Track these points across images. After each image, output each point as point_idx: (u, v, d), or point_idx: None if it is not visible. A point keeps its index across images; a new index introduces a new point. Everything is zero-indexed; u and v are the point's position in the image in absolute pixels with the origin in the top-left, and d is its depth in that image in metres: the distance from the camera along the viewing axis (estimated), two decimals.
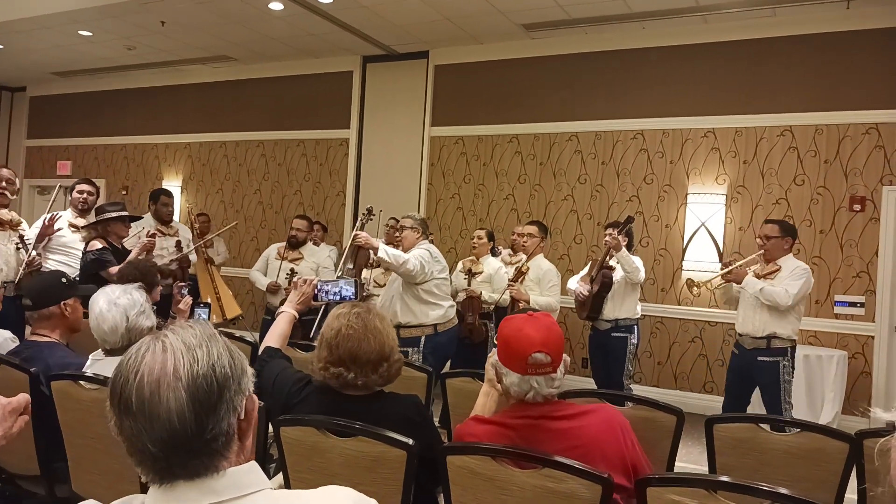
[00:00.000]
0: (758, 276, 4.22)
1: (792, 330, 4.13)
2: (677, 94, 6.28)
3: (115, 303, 2.37)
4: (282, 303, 5.25)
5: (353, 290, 2.87)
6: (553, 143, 6.82)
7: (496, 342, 1.93)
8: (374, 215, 4.78)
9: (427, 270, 4.19)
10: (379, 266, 5.39)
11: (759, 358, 4.18)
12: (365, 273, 5.47)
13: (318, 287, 2.78)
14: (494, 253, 5.53)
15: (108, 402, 0.92)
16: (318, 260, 5.78)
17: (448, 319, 4.39)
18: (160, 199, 5.41)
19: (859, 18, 5.60)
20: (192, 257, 5.49)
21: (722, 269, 4.50)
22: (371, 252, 4.16)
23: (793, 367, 4.14)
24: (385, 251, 4.04)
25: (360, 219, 4.69)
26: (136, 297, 2.43)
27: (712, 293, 6.08)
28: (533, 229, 5.09)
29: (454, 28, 6.64)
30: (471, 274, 5.18)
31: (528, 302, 4.61)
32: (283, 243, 5.74)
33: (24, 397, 1.23)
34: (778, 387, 4.11)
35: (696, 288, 4.64)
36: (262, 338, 3.20)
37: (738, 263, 4.39)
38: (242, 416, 0.95)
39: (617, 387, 4.64)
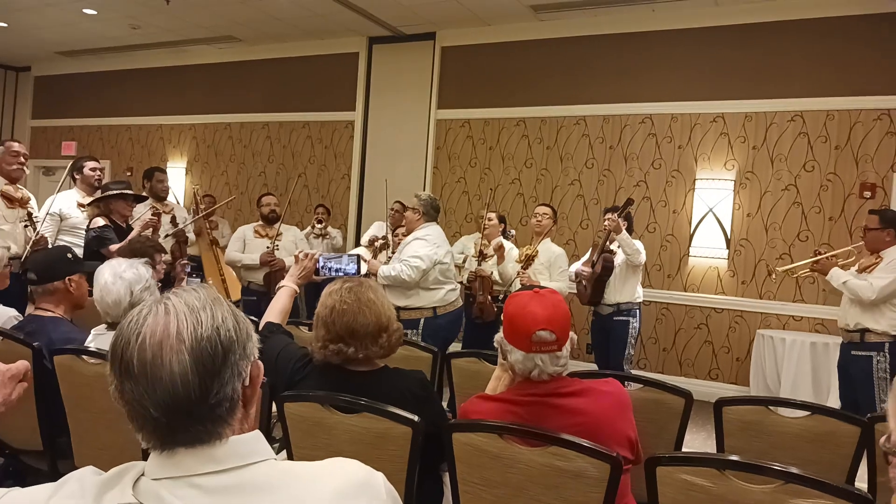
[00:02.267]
0: (861, 269, 4.06)
1: (890, 325, 3.89)
2: (687, 78, 6.21)
3: (120, 276, 2.36)
4: (266, 276, 5.26)
5: (356, 266, 2.84)
6: (560, 126, 6.76)
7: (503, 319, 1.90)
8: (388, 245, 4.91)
9: (427, 266, 4.18)
10: (381, 250, 5.39)
11: (852, 352, 4.04)
12: (362, 252, 5.49)
13: (321, 263, 2.74)
14: (506, 236, 5.44)
15: (109, 367, 0.89)
16: (295, 234, 5.78)
17: (448, 302, 4.35)
18: (154, 176, 5.40)
19: (873, 2, 5.51)
20: (191, 236, 5.46)
21: (814, 252, 4.40)
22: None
23: (893, 364, 3.88)
24: (383, 276, 4.21)
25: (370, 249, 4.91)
26: (142, 272, 2.42)
27: (718, 279, 6.05)
28: (547, 210, 5.01)
29: (461, 9, 6.56)
30: (482, 256, 5.15)
31: None
32: (255, 224, 5.65)
33: (23, 364, 1.21)
34: (871, 383, 3.91)
35: (774, 275, 4.56)
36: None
37: (828, 254, 4.26)
38: (247, 383, 0.92)
39: (617, 370, 4.63)
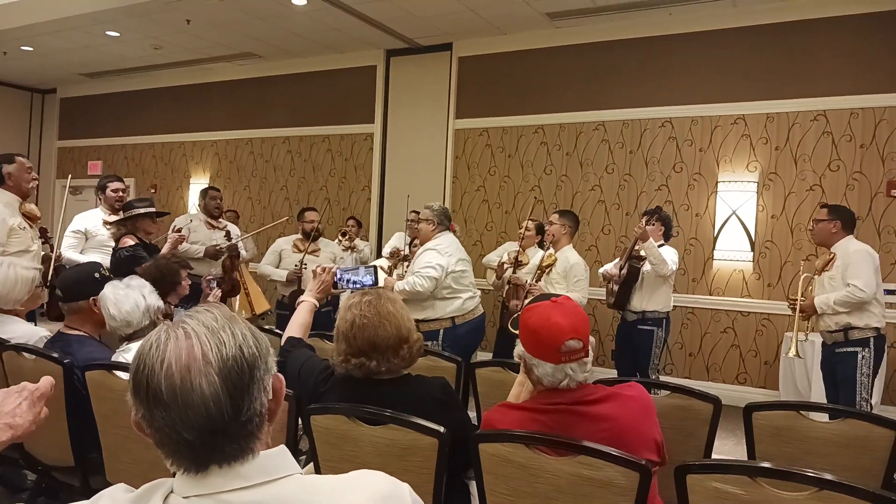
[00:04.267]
0: (821, 270, 4.05)
1: (874, 318, 3.86)
2: (706, 80, 6.16)
3: (128, 285, 2.51)
4: (293, 294, 5.29)
5: (373, 278, 2.85)
6: (579, 132, 6.74)
7: (512, 330, 1.90)
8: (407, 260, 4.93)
9: (440, 275, 4.18)
10: (403, 261, 5.40)
11: (836, 350, 3.96)
12: (383, 263, 5.52)
13: (338, 275, 2.76)
14: (543, 246, 5.35)
15: (131, 395, 0.89)
16: (334, 251, 5.81)
17: (468, 311, 4.33)
18: (208, 194, 5.55)
19: None
20: (244, 252, 5.56)
21: (790, 308, 4.21)
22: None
23: (875, 360, 3.85)
24: (398, 290, 4.20)
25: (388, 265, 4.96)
26: (141, 280, 2.60)
27: (745, 283, 5.98)
28: (553, 217, 4.84)
29: (477, 19, 6.58)
30: (516, 264, 5.12)
31: None
32: (293, 236, 5.70)
33: (48, 380, 1.22)
34: (853, 380, 3.84)
35: (792, 352, 4.11)
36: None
37: (799, 297, 4.12)
38: (271, 396, 0.93)
39: (643, 378, 4.57)
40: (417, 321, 4.24)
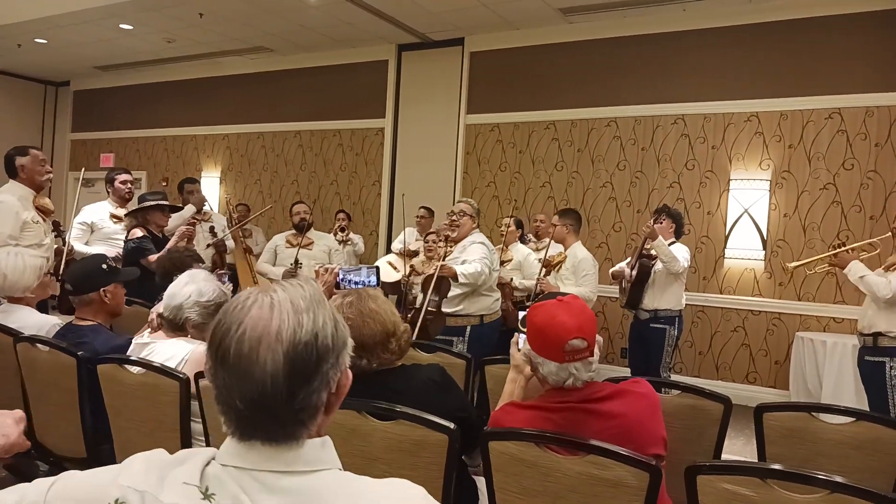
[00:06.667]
0: (888, 267, 3.65)
1: None
2: (719, 77, 6.12)
3: (199, 285, 2.43)
4: None
5: (375, 278, 2.85)
6: (591, 128, 6.71)
7: (522, 329, 1.90)
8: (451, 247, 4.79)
9: (490, 270, 4.16)
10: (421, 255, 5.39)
11: (865, 357, 3.71)
12: (394, 259, 5.51)
13: (341, 276, 2.76)
14: (524, 241, 5.49)
15: (207, 347, 0.91)
16: (328, 244, 5.68)
17: (493, 311, 4.35)
18: (185, 188, 5.51)
19: None
20: (230, 244, 5.50)
21: (830, 249, 3.95)
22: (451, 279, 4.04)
23: None
24: (463, 275, 3.95)
25: (442, 250, 4.80)
26: (213, 287, 2.45)
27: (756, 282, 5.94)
28: (553, 219, 4.94)
29: (490, 13, 6.56)
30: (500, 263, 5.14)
31: None
32: (287, 232, 5.59)
33: (21, 413, 1.31)
34: (883, 392, 3.57)
35: (786, 271, 4.04)
36: None
37: (848, 247, 3.81)
38: (334, 391, 0.92)
39: (654, 377, 4.55)
40: (447, 314, 4.20)
